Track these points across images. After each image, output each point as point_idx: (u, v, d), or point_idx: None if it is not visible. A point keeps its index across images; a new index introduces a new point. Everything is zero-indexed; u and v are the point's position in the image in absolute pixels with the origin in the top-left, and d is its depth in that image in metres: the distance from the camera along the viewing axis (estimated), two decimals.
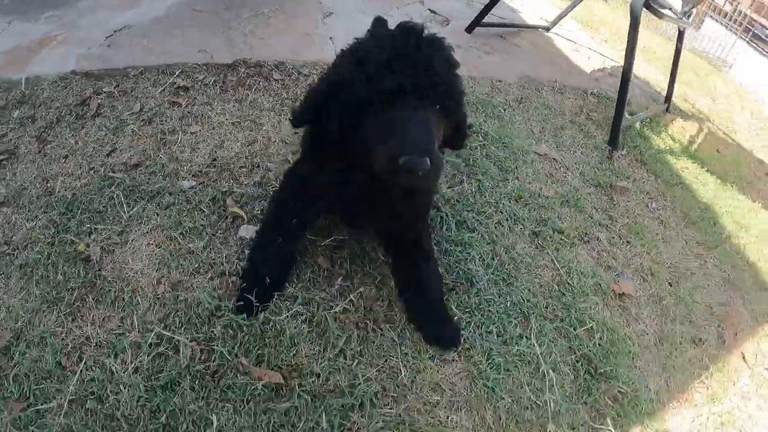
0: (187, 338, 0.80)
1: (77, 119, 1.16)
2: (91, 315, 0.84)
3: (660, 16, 1.50)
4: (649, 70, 2.22)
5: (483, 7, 1.75)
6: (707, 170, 1.75)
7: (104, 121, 1.15)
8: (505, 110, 1.45)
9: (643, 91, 2.06)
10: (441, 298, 0.93)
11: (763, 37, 3.41)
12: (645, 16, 1.53)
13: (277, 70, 1.34)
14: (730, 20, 3.10)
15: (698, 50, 3.01)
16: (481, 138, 1.29)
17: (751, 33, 3.14)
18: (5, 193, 1.01)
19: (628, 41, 1.42)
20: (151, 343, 0.80)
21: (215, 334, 0.82)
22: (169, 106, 1.21)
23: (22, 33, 1.49)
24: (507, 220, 1.12)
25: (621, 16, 2.93)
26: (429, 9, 1.93)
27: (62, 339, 0.80)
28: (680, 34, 1.85)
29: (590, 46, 2.23)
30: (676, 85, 2.27)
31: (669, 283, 1.25)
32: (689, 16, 1.85)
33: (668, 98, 1.99)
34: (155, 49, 1.38)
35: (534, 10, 2.36)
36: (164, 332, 0.81)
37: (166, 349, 0.80)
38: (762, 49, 3.12)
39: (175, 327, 0.82)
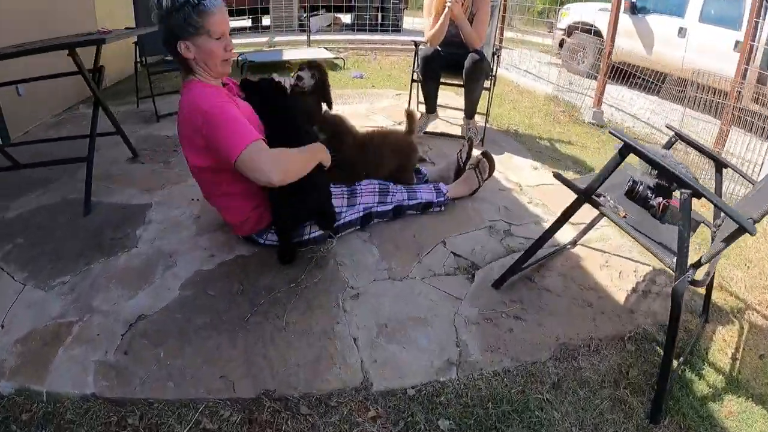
0: None
1: None
2: None
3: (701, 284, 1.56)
4: None
5: (514, 261, 1.83)
6: (752, 400, 1.66)
7: None
8: (542, 410, 1.45)
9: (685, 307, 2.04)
10: None
11: None
12: None
13: (303, 400, 1.38)
14: None
15: None
16: None
17: None
18: None
19: (669, 328, 1.43)
20: None
21: None
22: None
23: (37, 307, 1.70)
24: None
25: None
26: (452, 252, 2.03)
27: None
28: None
29: (618, 251, 2.27)
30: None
31: None
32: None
33: (705, 310, 1.99)
34: (172, 369, 1.48)
35: (556, 206, 2.50)
36: None
37: None
38: None
39: None
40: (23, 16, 3.49)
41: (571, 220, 2.48)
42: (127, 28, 2.95)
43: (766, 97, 3.97)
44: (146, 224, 2.17)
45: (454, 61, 3.32)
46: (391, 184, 2.22)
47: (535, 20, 9.82)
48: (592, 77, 5.07)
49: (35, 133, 3.49)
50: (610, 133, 1.47)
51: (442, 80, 3.46)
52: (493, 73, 3.49)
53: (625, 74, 4.96)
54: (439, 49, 3.36)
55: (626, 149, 1.40)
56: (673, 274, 1.46)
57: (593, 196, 1.56)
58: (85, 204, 2.24)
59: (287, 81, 2.31)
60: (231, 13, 7.60)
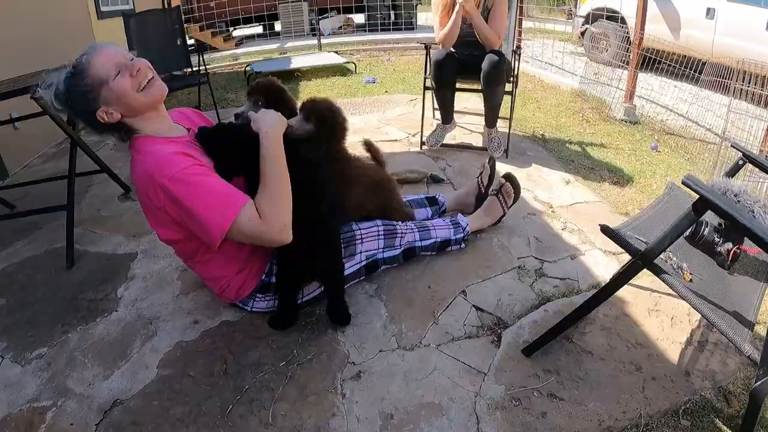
0: None
1: None
2: None
3: None
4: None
5: (549, 329, 1.50)
6: None
7: None
8: None
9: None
10: None
11: None
12: None
13: None
14: None
15: None
16: None
17: None
18: None
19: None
20: None
21: None
22: None
23: (13, 387, 1.53)
24: None
25: None
26: (474, 306, 1.72)
27: None
28: None
29: (668, 289, 1.91)
30: None
31: None
32: None
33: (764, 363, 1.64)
34: None
35: (594, 230, 2.18)
36: None
37: None
38: None
39: None
40: (23, 45, 3.31)
41: (610, 249, 2.15)
42: None
43: None
44: (129, 280, 1.92)
45: (470, 64, 2.92)
46: (399, 223, 1.90)
47: (553, 8, 9.26)
48: (622, 67, 4.61)
49: (35, 166, 3.32)
50: (683, 183, 1.09)
51: (458, 85, 3.09)
52: (515, 74, 3.10)
53: (650, 61, 4.47)
54: (453, 51, 2.98)
55: (703, 205, 1.05)
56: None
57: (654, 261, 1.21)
58: (67, 256, 2.02)
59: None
60: (238, 21, 7.36)
